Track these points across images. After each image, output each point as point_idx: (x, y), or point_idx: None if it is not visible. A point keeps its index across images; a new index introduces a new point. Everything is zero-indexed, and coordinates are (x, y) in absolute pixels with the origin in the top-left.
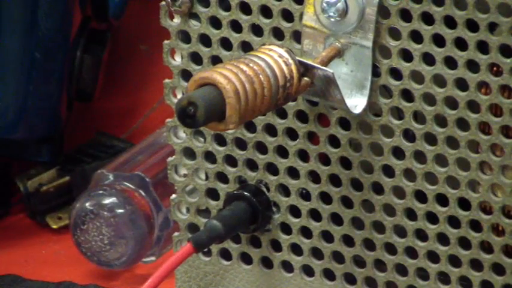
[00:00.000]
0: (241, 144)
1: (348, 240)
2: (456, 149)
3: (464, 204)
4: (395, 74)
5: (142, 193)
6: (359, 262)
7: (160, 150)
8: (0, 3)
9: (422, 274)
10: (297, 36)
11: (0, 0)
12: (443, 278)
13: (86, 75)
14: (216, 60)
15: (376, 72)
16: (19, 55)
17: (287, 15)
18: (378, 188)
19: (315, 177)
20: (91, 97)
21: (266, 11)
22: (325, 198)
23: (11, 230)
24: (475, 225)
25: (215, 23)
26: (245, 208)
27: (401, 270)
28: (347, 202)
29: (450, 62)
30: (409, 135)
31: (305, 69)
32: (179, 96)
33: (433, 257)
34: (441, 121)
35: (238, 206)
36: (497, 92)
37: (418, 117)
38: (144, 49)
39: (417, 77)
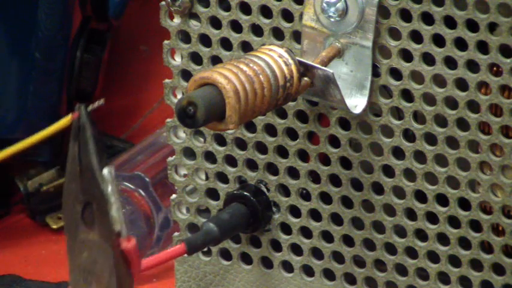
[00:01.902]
0: (241, 144)
1: (348, 240)
2: (456, 149)
3: (464, 204)
4: (395, 74)
5: (142, 193)
6: (359, 262)
7: (160, 150)
8: (0, 3)
9: (422, 274)
10: (297, 36)
11: (0, 0)
12: (443, 278)
13: (86, 75)
14: (216, 60)
15: (376, 72)
16: (19, 55)
17: (287, 15)
18: (378, 188)
19: (315, 177)
20: (91, 97)
21: (266, 11)
22: (325, 198)
23: (11, 230)
24: (475, 225)
25: (215, 23)
26: (244, 210)
27: (401, 270)
28: (347, 202)
29: (450, 62)
30: (409, 135)
31: (305, 69)
32: (179, 96)
33: (433, 257)
34: (441, 121)
35: (237, 207)
36: (497, 92)
37: (418, 117)
38: (144, 49)
39: (417, 77)
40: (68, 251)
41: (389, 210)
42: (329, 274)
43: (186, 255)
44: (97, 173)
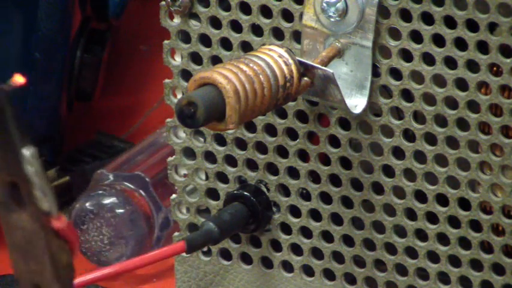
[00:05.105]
0: (241, 144)
1: (348, 240)
2: (456, 149)
3: (464, 204)
4: (395, 74)
5: (143, 193)
6: (359, 262)
7: (160, 150)
8: (0, 3)
9: (422, 274)
10: (297, 36)
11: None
12: (443, 278)
13: (86, 75)
14: (216, 60)
15: (376, 72)
16: (19, 55)
17: (287, 15)
18: (378, 188)
19: (315, 177)
20: (91, 97)
21: (266, 11)
22: (325, 198)
23: None
24: (475, 225)
25: (215, 23)
26: (244, 210)
27: (401, 270)
28: (347, 202)
29: (450, 62)
30: (409, 135)
31: (305, 69)
32: (179, 96)
33: (433, 257)
34: (441, 121)
35: (237, 207)
36: (497, 92)
37: (418, 117)
38: (144, 49)
39: (417, 77)
40: (4, 231)
41: (390, 210)
42: (329, 274)
43: (185, 254)
44: (19, 154)
